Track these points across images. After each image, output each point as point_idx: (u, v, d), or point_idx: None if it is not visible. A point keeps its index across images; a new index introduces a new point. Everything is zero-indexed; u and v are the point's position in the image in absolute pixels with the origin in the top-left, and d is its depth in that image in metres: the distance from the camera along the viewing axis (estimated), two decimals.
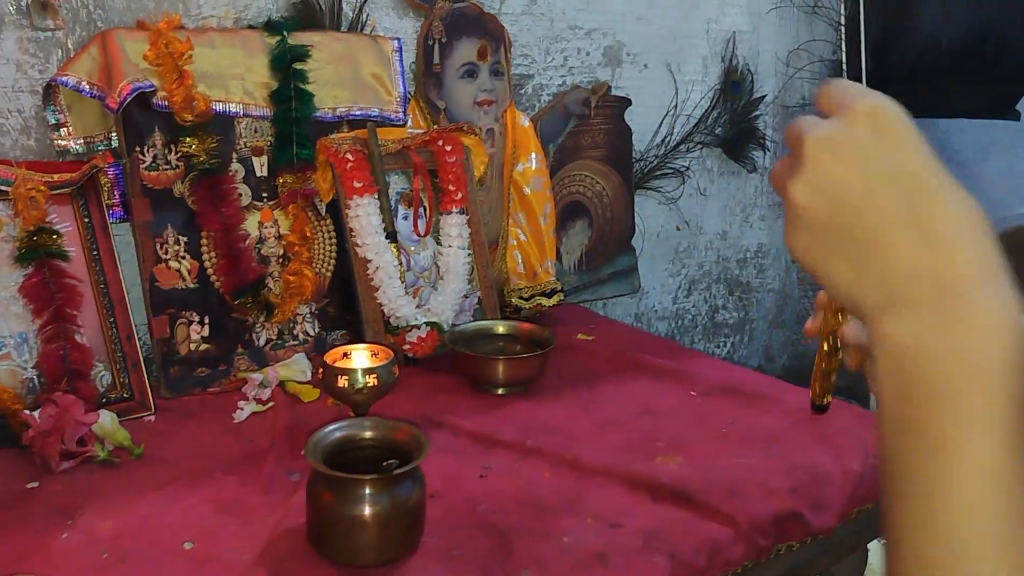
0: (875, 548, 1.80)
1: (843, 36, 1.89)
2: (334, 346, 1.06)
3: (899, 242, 0.36)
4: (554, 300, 1.47)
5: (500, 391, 1.16)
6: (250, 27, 1.24)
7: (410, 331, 1.22)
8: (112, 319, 1.08)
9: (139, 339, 1.10)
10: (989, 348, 0.34)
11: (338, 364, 1.00)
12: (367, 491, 0.75)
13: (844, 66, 1.92)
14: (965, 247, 0.35)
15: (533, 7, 1.56)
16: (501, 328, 1.27)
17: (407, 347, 1.22)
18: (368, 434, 0.83)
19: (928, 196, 0.36)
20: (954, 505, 0.34)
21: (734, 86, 1.82)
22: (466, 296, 1.33)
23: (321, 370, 1.01)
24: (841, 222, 0.37)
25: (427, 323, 1.24)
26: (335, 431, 0.82)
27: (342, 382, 0.98)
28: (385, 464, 0.77)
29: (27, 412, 0.95)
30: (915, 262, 0.35)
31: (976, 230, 0.35)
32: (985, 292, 0.34)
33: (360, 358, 1.01)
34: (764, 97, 1.90)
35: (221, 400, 1.12)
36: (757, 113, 1.89)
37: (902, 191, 0.36)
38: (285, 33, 1.22)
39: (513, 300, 1.45)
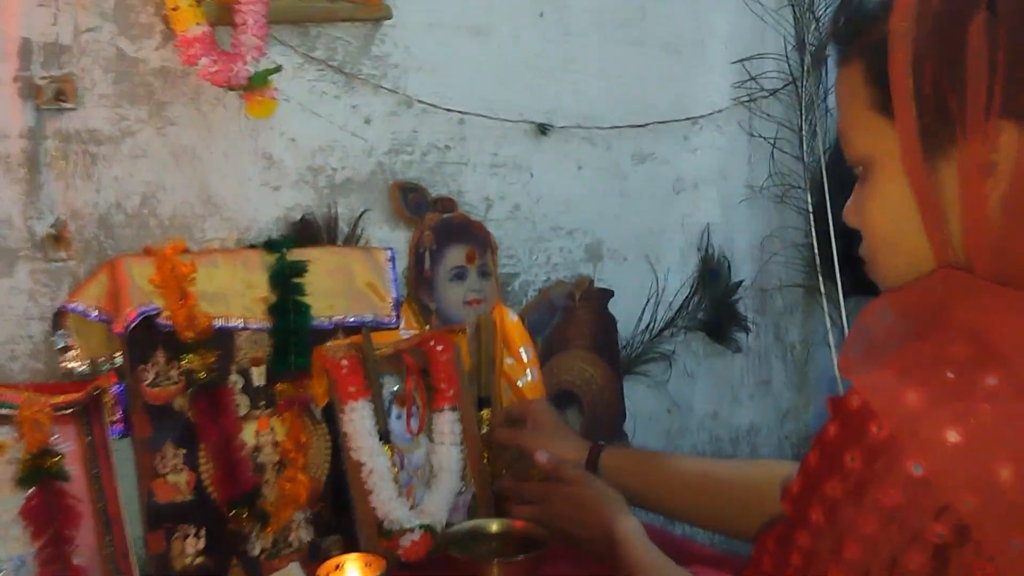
0: None
1: (811, 223, 2.00)
2: (328, 552, 1.07)
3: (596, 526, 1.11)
4: None
5: None
6: (251, 247, 1.32)
7: (403, 535, 1.23)
8: (109, 537, 1.09)
9: (136, 553, 1.11)
10: (635, 528, 1.06)
11: None
12: None
13: (816, 249, 2.02)
14: (618, 516, 1.08)
15: (517, 212, 1.66)
16: (495, 526, 1.27)
17: (400, 552, 1.22)
18: None
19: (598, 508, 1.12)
20: (649, 566, 1.01)
21: (712, 274, 1.91)
22: (460, 493, 1.34)
23: None
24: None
25: (420, 526, 1.25)
26: None
27: None
28: None
29: None
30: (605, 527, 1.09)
31: (617, 505, 1.11)
32: (628, 518, 1.08)
33: (352, 571, 1.02)
34: (742, 282, 1.98)
35: None
36: (737, 297, 1.97)
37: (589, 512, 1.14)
38: (284, 250, 1.31)
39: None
